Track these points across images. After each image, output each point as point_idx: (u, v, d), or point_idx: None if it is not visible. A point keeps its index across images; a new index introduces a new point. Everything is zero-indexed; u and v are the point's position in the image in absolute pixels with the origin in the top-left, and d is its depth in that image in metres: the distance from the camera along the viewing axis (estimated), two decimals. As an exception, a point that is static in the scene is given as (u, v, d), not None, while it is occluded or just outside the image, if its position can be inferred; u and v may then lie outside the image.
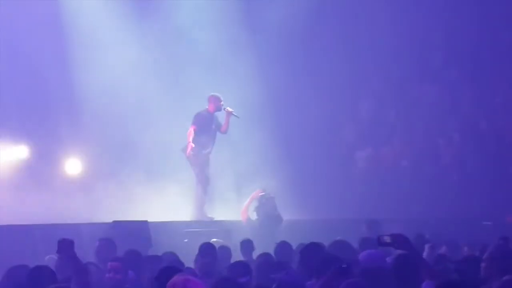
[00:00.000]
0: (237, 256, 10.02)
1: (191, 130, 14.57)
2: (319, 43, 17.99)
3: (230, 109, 14.71)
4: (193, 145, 14.41)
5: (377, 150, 18.11)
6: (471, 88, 18.16)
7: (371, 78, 18.58)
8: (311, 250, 7.71)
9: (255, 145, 16.23)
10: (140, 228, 11.96)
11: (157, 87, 16.56)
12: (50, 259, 9.16)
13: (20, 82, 16.15)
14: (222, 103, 14.73)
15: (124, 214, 13.06)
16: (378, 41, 17.68)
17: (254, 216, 13.93)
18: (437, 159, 17.82)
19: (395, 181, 17.21)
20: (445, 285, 5.26)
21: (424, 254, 8.88)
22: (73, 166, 17.04)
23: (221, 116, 14.84)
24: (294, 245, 9.34)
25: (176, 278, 5.67)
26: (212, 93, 14.86)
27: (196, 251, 9.20)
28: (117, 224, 11.97)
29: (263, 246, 9.98)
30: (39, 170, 16.21)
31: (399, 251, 6.51)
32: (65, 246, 6.88)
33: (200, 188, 14.74)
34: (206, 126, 14.67)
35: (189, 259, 9.01)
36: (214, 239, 11.07)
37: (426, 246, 9.31)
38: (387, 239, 6.17)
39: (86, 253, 8.92)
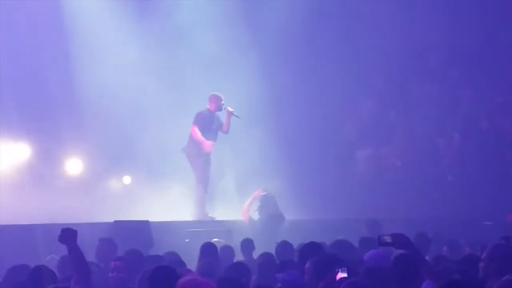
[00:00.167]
0: (238, 256, 10.04)
1: (194, 130, 14.57)
2: (320, 43, 18.00)
3: (230, 109, 14.70)
4: (211, 142, 14.48)
5: (377, 149, 18.12)
6: (471, 88, 18.15)
7: (371, 78, 18.59)
8: (310, 249, 7.71)
9: (256, 144, 16.23)
10: (142, 228, 11.97)
11: (157, 87, 16.55)
12: (52, 258, 9.18)
13: (21, 82, 16.15)
14: (222, 102, 14.72)
15: (125, 214, 13.07)
16: (379, 41, 17.67)
17: (256, 216, 13.91)
18: (437, 159, 17.83)
19: (396, 181, 17.22)
20: (446, 285, 5.24)
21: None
22: (73, 165, 17.06)
23: (222, 116, 14.82)
24: (295, 245, 9.34)
25: (186, 279, 5.65)
26: (213, 93, 14.86)
27: (198, 251, 9.21)
28: (118, 224, 11.97)
29: (265, 246, 9.97)
30: (39, 170, 16.23)
31: (399, 251, 6.51)
32: (68, 236, 6.60)
33: (200, 188, 14.73)
34: (207, 125, 14.66)
35: (190, 259, 9.01)
36: (216, 239, 11.07)
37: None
38: (388, 239, 6.17)
39: (87, 253, 8.89)
